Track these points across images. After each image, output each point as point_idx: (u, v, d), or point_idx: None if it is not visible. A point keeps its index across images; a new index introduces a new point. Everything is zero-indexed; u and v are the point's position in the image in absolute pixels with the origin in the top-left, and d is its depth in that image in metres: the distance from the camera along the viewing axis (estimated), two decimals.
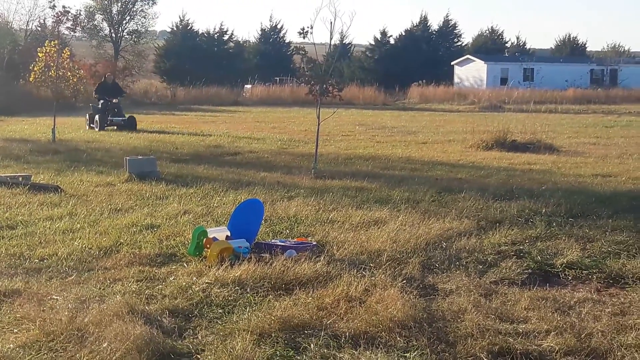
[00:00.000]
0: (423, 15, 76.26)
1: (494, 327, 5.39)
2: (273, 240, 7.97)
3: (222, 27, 68.62)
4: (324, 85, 14.36)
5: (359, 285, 6.21)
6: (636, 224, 8.94)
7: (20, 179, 11.81)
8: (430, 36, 70.63)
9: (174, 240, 8.04)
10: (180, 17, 66.79)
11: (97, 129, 23.83)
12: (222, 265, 6.83)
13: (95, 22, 60.67)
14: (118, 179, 12.39)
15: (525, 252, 7.66)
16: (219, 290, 6.20)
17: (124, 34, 61.61)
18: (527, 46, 76.08)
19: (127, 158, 13.18)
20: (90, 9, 60.24)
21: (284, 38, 70.10)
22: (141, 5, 61.78)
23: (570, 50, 73.68)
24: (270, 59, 65.06)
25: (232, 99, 46.89)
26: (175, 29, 65.69)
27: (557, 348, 5.02)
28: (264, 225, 8.63)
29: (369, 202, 10.44)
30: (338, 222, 9.01)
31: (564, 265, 7.20)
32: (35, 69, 19.85)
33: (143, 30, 62.83)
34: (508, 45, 74.89)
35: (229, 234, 7.79)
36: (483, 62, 63.02)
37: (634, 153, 17.50)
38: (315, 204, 10.10)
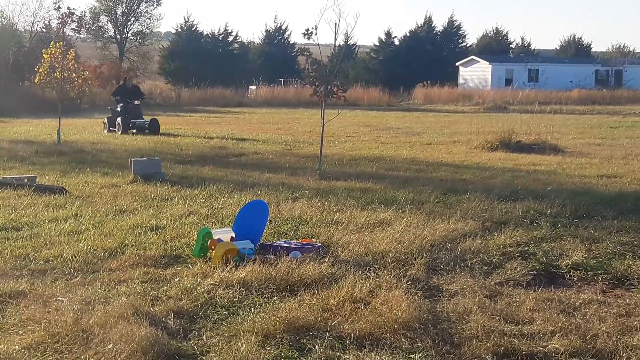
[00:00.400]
0: (427, 16, 76.40)
1: (499, 328, 5.38)
2: (278, 242, 7.97)
3: (227, 28, 68.72)
4: (329, 86, 14.36)
5: (363, 287, 6.21)
6: None
7: (26, 180, 11.83)
8: (434, 37, 70.61)
9: (178, 241, 8.05)
10: (184, 18, 66.80)
11: (119, 132, 23.08)
12: (226, 266, 6.83)
13: (100, 23, 60.82)
14: (123, 181, 12.40)
15: (530, 253, 7.65)
16: (223, 292, 6.20)
17: (128, 35, 61.75)
18: (532, 47, 76.01)
19: (132, 159, 13.20)
20: (95, 10, 60.38)
21: (289, 39, 70.26)
22: (146, 7, 61.96)
23: (575, 51, 73.57)
24: (275, 60, 65.10)
25: (237, 100, 46.92)
26: (180, 30, 65.77)
27: (562, 349, 5.01)
28: (269, 226, 8.63)
29: (373, 203, 10.43)
30: (343, 223, 9.01)
31: (569, 266, 7.19)
32: (41, 70, 19.91)
33: (148, 31, 63.02)
34: (513, 46, 74.84)
35: (233, 235, 7.80)
36: (488, 62, 62.96)
37: (639, 154, 17.45)
38: (320, 205, 10.10)
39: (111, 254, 7.53)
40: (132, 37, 62.00)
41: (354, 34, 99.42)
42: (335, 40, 14.72)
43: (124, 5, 61.06)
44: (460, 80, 64.42)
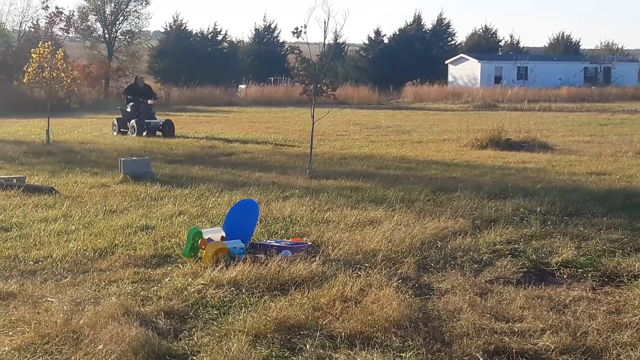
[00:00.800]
0: (417, 14, 76.36)
1: (489, 326, 5.40)
2: (268, 241, 7.97)
3: (216, 27, 68.84)
4: (318, 85, 14.35)
5: (354, 285, 6.21)
6: (631, 222, 8.95)
7: (15, 180, 11.78)
8: (424, 35, 70.68)
9: (169, 241, 8.03)
10: (173, 18, 66.73)
11: (133, 135, 21.79)
12: (217, 266, 6.83)
13: (89, 22, 60.54)
14: (113, 180, 12.37)
15: (520, 251, 7.67)
16: (214, 291, 6.19)
17: (117, 34, 61.51)
18: (521, 45, 76.18)
19: (122, 159, 13.16)
20: (84, 10, 60.12)
21: (278, 38, 70.20)
22: (135, 6, 61.70)
23: (564, 48, 73.79)
24: (265, 59, 65.04)
25: (227, 99, 46.84)
26: (169, 29, 65.66)
27: (552, 347, 5.02)
28: (259, 225, 8.62)
29: (364, 201, 10.44)
30: (333, 222, 9.01)
31: (559, 263, 7.21)
32: (29, 70, 19.81)
33: (137, 30, 62.75)
34: (502, 43, 75.00)
35: (224, 234, 7.79)
36: (477, 60, 63.06)
37: (628, 151, 17.52)
38: (310, 204, 10.10)
39: (101, 254, 7.51)
40: (121, 37, 61.77)
41: (343, 32, 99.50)
42: (325, 38, 14.75)
43: (113, 5, 60.83)
44: (450, 79, 64.51)
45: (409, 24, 71.02)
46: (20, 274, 6.79)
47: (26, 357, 4.88)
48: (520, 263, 7.22)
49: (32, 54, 19.75)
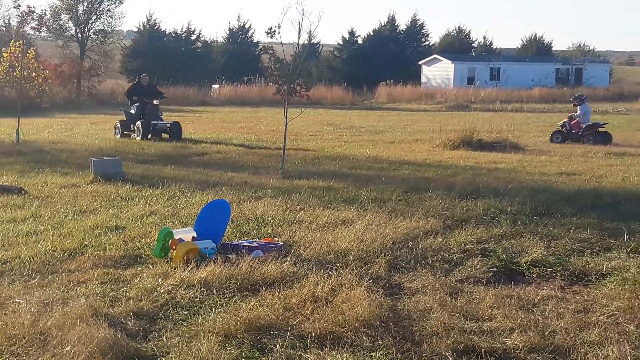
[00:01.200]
0: (391, 15, 76.66)
1: (459, 325, 5.42)
2: (240, 241, 7.95)
3: (190, 26, 68.19)
4: (292, 85, 14.35)
5: (325, 285, 6.21)
6: (600, 222, 9.04)
7: None
8: (398, 36, 70.88)
9: (139, 241, 7.98)
10: (147, 17, 66.59)
11: (138, 137, 20.59)
12: (188, 266, 6.80)
13: (61, 21, 59.91)
14: (83, 181, 12.26)
15: (490, 251, 7.72)
16: (184, 292, 6.16)
17: (90, 33, 60.91)
18: (494, 46, 76.72)
19: (92, 159, 13.05)
20: (56, 9, 59.49)
21: (252, 38, 70.02)
22: (107, 5, 61.14)
23: (536, 49, 74.33)
24: (238, 59, 64.85)
25: (200, 99, 46.64)
26: (142, 28, 65.26)
27: (521, 346, 5.06)
28: (231, 225, 8.59)
29: (336, 201, 10.44)
30: (305, 222, 9.00)
31: (528, 263, 7.26)
32: (0, 69, 19.59)
33: (109, 30, 62.16)
34: (475, 45, 75.42)
35: (195, 235, 7.75)
36: (450, 61, 63.38)
37: (598, 151, 17.71)
38: (283, 204, 10.09)
39: (70, 255, 7.44)
40: (93, 36, 61.18)
41: (318, 32, 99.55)
42: (299, 38, 14.73)
43: (86, 4, 60.28)
44: (423, 79, 64.76)
45: (383, 24, 71.21)
46: None
47: None
48: (490, 263, 7.26)
49: (3, 53, 19.54)
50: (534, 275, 7.02)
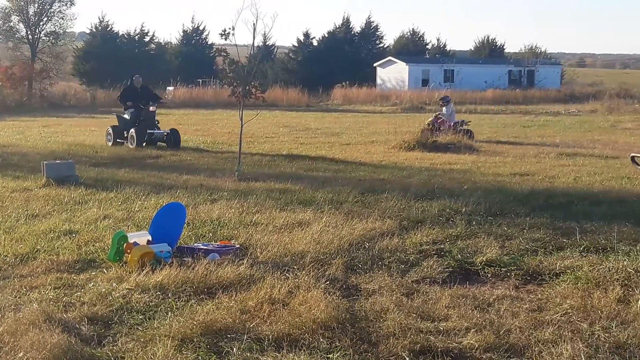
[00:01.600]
0: (345, 17, 76.78)
1: (415, 325, 5.45)
2: (195, 244, 7.89)
3: (143, 28, 67.91)
4: (247, 87, 14.31)
5: (282, 288, 6.20)
6: (552, 221, 9.17)
7: None
8: (352, 38, 71.12)
9: (93, 245, 7.88)
10: (99, 18, 65.65)
11: (132, 146, 19.10)
12: (143, 270, 6.73)
13: (11, 23, 58.94)
14: (35, 184, 12.07)
15: (446, 251, 7.78)
16: (139, 296, 6.10)
17: (41, 35, 60.03)
18: (448, 48, 77.34)
19: (45, 162, 12.85)
20: (6, 10, 58.51)
21: (207, 39, 69.68)
22: (59, 6, 60.30)
23: (489, 51, 75.19)
24: (193, 61, 64.46)
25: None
26: (94, 30, 64.61)
27: (476, 345, 5.10)
28: (187, 229, 8.53)
29: (292, 203, 10.43)
30: (262, 224, 8.98)
31: (483, 263, 7.33)
32: None
33: (61, 31, 61.32)
34: (429, 47, 76.01)
35: (150, 238, 7.68)
36: (405, 63, 63.79)
37: (550, 152, 17.97)
38: (239, 206, 10.05)
39: (22, 260, 7.32)
40: (44, 38, 60.27)
41: (272, 34, 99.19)
42: (253, 40, 14.70)
43: (36, 5, 59.38)
44: (378, 81, 65.11)
45: (337, 26, 71.39)
46: None
47: None
48: (446, 263, 7.32)
49: None
50: (489, 275, 7.09)
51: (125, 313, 5.76)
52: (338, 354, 4.98)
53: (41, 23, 59.66)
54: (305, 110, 43.18)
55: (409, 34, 75.84)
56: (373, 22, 72.72)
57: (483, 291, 6.49)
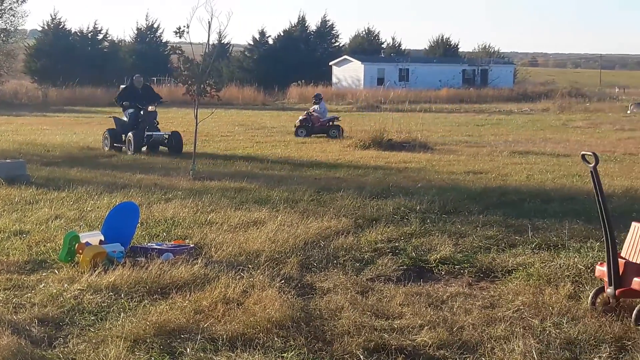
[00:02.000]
0: (301, 16, 76.53)
1: (369, 323, 5.47)
2: (149, 244, 7.82)
3: (97, 26, 66.80)
4: (202, 85, 14.23)
5: (237, 287, 6.17)
6: (505, 219, 9.27)
7: None
8: (308, 37, 71.12)
9: (44, 246, 7.75)
10: (51, 16, 64.70)
11: (130, 151, 17.26)
12: (95, 270, 6.64)
13: None
14: None
15: (400, 249, 7.82)
16: (91, 297, 6.02)
17: None
18: (403, 47, 77.84)
19: None
20: None
21: (161, 37, 69.07)
22: (10, 3, 59.24)
23: (444, 51, 75.78)
24: (147, 59, 63.79)
25: (108, 99, 45.64)
26: (46, 27, 63.62)
27: (430, 342, 5.13)
28: (140, 228, 8.44)
29: (248, 202, 10.39)
30: (216, 223, 8.93)
31: (437, 260, 7.39)
32: None
33: (12, 29, 60.29)
34: (384, 46, 76.37)
35: (102, 238, 7.58)
36: (360, 62, 64.04)
37: (504, 150, 18.18)
38: (193, 205, 9.98)
39: None
40: None
41: (228, 32, 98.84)
42: (209, 38, 14.64)
43: None
44: (334, 80, 65.24)
45: (293, 25, 71.31)
46: None
47: None
48: (401, 261, 7.36)
49: None
50: (443, 273, 7.15)
51: (77, 314, 5.68)
52: (292, 352, 4.97)
53: None
54: (261, 108, 43.10)
55: (364, 33, 76.06)
56: (329, 21, 72.84)
57: (437, 289, 6.54)
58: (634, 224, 6.12)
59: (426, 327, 5.39)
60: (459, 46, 79.00)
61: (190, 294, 6.08)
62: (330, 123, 23.15)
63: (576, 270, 6.82)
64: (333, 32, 73.07)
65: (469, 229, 8.70)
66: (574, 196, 11.17)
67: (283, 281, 6.46)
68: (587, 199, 10.84)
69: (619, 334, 5.33)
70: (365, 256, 7.50)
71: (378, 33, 77.18)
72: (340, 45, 73.40)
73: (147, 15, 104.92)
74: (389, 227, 8.71)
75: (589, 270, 6.72)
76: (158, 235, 8.36)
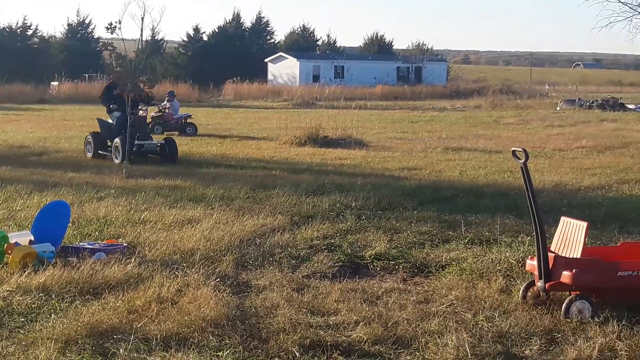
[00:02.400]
0: (236, 12, 76.26)
1: (305, 320, 5.47)
2: (81, 244, 7.69)
3: (26, 21, 65.41)
4: (135, 82, 14.03)
5: (171, 286, 6.11)
6: (439, 214, 9.39)
7: None
8: (243, 33, 70.90)
9: None
10: None
11: (117, 160, 15.07)
12: (24, 271, 6.49)
13: None
14: None
15: (336, 246, 7.85)
16: (21, 298, 5.88)
17: None
18: (338, 44, 78.16)
19: None
20: None
21: (93, 33, 68.03)
22: None
23: (378, 48, 76.40)
24: (79, 55, 62.70)
25: (38, 96, 44.79)
26: None
27: (365, 338, 5.16)
28: (71, 228, 8.28)
29: (182, 200, 10.30)
30: (150, 222, 8.82)
31: (372, 256, 7.44)
32: None
33: None
34: (319, 43, 76.60)
35: (32, 238, 7.42)
36: (295, 59, 64.06)
37: (437, 147, 18.40)
38: (127, 204, 9.84)
39: None
40: None
41: (161, 28, 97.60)
42: (141, 34, 14.45)
43: None
44: (270, 77, 65.13)
45: (228, 21, 70.95)
46: None
47: None
48: (336, 257, 7.39)
49: None
50: (378, 269, 7.20)
51: (6, 316, 5.54)
52: (228, 351, 4.94)
53: None
54: (196, 105, 42.65)
55: (299, 29, 76.22)
56: (264, 17, 72.80)
57: (372, 284, 6.58)
58: (563, 218, 6.27)
59: (361, 323, 5.42)
60: (393, 44, 79.89)
61: (123, 294, 5.99)
62: (184, 120, 23.31)
63: (508, 264, 6.95)
64: (268, 28, 73.07)
65: (403, 224, 8.77)
66: (505, 192, 11.37)
67: (218, 279, 6.42)
68: (518, 194, 11.04)
69: (549, 326, 5.45)
70: (301, 253, 7.51)
71: (313, 30, 77.58)
72: (276, 42, 73.43)
73: (78, 11, 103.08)
74: (324, 224, 8.73)
75: (520, 264, 6.86)
76: (90, 235, 8.22)
